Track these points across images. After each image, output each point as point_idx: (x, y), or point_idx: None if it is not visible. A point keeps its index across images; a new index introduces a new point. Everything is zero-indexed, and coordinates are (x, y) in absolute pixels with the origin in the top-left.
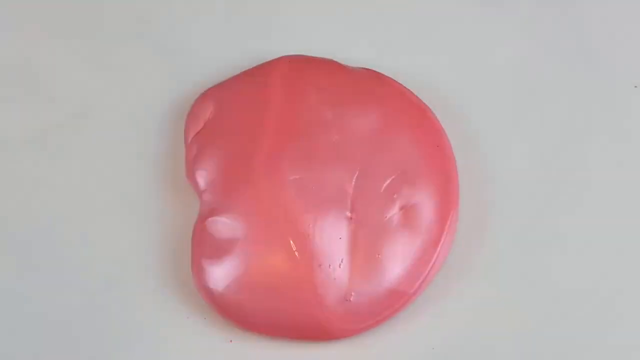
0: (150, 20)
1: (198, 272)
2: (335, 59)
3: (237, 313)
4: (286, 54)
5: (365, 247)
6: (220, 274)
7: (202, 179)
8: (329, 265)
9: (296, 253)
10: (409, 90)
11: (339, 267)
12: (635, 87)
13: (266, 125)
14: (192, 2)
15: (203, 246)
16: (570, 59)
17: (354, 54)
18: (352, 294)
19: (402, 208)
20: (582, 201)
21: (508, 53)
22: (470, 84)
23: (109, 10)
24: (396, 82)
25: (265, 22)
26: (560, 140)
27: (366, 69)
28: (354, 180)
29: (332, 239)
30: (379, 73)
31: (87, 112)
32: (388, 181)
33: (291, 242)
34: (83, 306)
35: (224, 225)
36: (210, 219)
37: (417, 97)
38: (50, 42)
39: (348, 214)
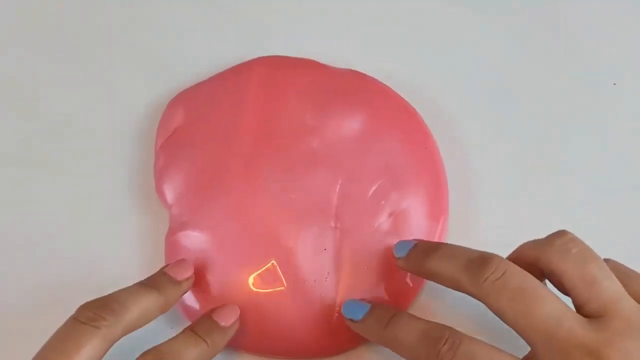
0: (129, 28)
1: None
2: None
3: None
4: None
5: (353, 258)
6: (195, 292)
7: (169, 192)
8: (314, 280)
9: (278, 269)
10: (394, 91)
11: (325, 280)
12: (615, 84)
13: (241, 130)
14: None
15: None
16: (552, 59)
17: (337, 55)
18: (340, 309)
19: (390, 215)
20: (567, 199)
21: (492, 55)
22: (455, 86)
23: (88, 22)
24: (381, 82)
25: (246, 24)
26: (544, 139)
27: (350, 69)
28: (338, 187)
29: (317, 252)
30: (363, 73)
31: (69, 122)
32: (375, 187)
33: (273, 261)
34: (58, 315)
35: (196, 240)
36: (180, 233)
37: (402, 98)
38: (32, 58)
39: (332, 223)
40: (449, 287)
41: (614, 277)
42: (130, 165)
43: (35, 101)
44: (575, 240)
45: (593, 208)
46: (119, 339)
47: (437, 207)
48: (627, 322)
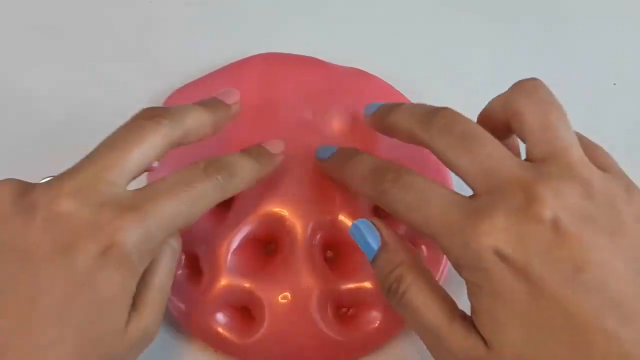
0: (127, 25)
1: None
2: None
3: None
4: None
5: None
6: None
7: None
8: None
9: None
10: (396, 89)
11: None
12: (614, 84)
13: (240, 127)
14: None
15: None
16: (551, 59)
17: (339, 54)
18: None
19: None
20: None
21: (493, 55)
22: (457, 85)
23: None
24: (383, 80)
25: (247, 22)
26: None
27: (352, 67)
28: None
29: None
30: (364, 71)
31: (68, 120)
32: None
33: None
34: None
35: (195, 251)
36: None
37: (404, 96)
38: (31, 58)
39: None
40: (406, 142)
41: (572, 130)
42: None
43: (34, 101)
44: (544, 87)
45: None
46: (176, 144)
47: None
48: (569, 166)
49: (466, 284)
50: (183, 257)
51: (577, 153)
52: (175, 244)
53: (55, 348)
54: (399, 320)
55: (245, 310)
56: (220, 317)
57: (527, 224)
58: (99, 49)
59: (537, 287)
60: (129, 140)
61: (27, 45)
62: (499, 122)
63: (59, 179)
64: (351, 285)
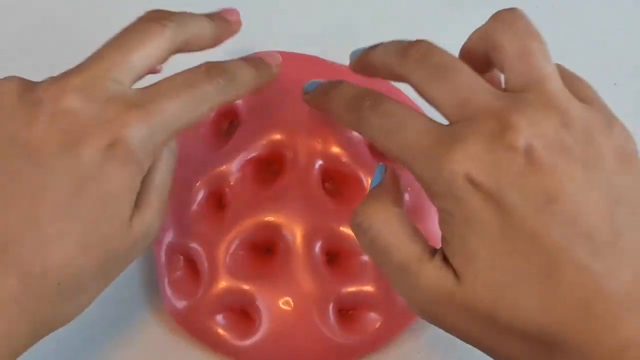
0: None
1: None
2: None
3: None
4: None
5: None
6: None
7: None
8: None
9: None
10: (397, 88)
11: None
12: (615, 84)
13: (239, 126)
14: None
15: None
16: (553, 58)
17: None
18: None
19: None
20: None
21: None
22: None
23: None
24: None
25: (245, 21)
26: None
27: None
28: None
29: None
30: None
31: None
32: None
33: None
34: None
35: (193, 252)
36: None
37: (407, 96)
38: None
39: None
40: (385, 78)
41: (552, 60)
42: None
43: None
44: (524, 17)
45: None
46: (179, 50)
47: None
48: (546, 96)
49: (438, 212)
50: (181, 258)
51: (555, 82)
52: (174, 145)
53: (62, 241)
54: (399, 321)
55: (245, 312)
56: (219, 319)
57: (500, 151)
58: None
59: (509, 215)
60: (134, 40)
61: (29, 44)
62: (479, 56)
63: (64, 76)
64: (352, 289)
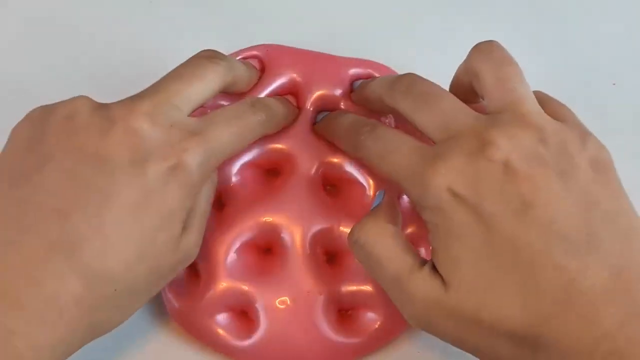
0: (128, 21)
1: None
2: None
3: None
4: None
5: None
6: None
7: None
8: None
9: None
10: None
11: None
12: (614, 84)
13: None
14: None
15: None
16: (551, 59)
17: (342, 45)
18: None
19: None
20: None
21: None
22: None
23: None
24: (389, 68)
25: (246, 21)
26: None
27: (356, 58)
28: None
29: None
30: (370, 61)
31: None
32: None
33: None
34: None
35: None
36: None
37: None
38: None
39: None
40: (380, 110)
41: (529, 86)
42: None
43: (37, 102)
44: (499, 46)
45: None
46: (226, 88)
47: None
48: (522, 115)
49: (427, 225)
50: None
51: (531, 103)
52: (214, 176)
53: (123, 247)
54: (399, 321)
55: (244, 313)
56: (219, 319)
57: (480, 164)
58: (98, 47)
59: (489, 224)
60: (193, 73)
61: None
62: (466, 87)
63: (132, 100)
64: (351, 288)
